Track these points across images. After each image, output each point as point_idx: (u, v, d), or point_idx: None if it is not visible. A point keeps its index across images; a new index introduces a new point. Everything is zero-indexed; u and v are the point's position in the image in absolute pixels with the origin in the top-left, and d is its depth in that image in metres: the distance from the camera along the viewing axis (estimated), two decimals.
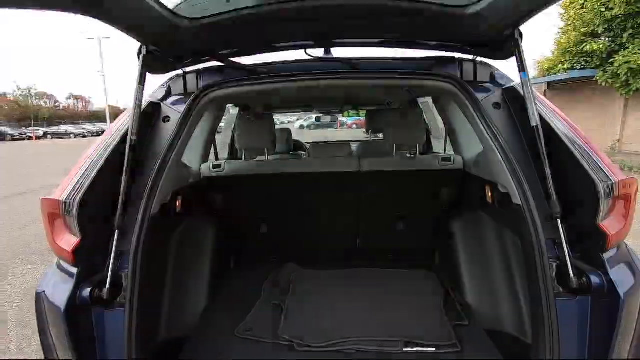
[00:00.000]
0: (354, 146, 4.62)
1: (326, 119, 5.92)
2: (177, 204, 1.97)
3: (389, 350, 1.58)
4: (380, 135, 5.04)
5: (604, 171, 1.18)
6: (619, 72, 10.55)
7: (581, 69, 12.20)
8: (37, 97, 57.40)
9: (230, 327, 1.80)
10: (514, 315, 1.76)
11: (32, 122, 48.02)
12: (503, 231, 1.92)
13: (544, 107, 1.40)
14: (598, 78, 11.36)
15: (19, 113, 49.52)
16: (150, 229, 1.35)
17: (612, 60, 10.84)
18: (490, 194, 1.95)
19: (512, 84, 1.56)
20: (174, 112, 1.59)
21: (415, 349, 1.59)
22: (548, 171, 1.27)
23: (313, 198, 2.46)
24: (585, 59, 12.12)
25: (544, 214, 1.34)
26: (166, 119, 1.57)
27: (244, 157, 2.40)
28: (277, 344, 1.65)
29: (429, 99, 3.13)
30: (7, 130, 36.64)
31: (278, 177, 2.34)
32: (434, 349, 1.58)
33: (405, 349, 1.59)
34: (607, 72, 11.06)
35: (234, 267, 2.47)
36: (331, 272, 2.27)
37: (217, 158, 2.57)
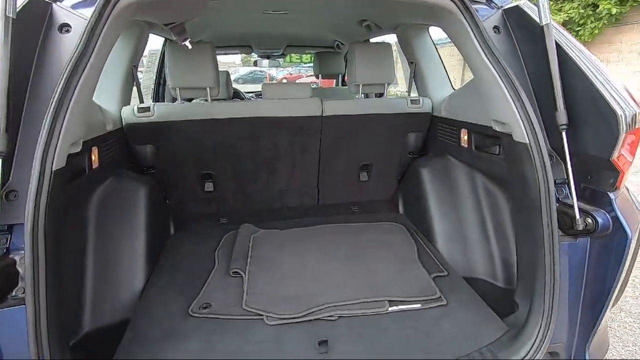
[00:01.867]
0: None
1: (248, 71, 5.33)
2: (93, 158, 1.48)
3: (374, 312, 1.41)
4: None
5: (625, 99, 1.05)
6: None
7: None
8: None
9: (181, 305, 1.47)
10: (487, 261, 1.72)
11: None
12: (475, 176, 1.83)
13: (561, 35, 1.22)
14: None
15: None
16: (53, 189, 0.92)
17: None
18: (465, 137, 1.81)
19: (513, 3, 1.35)
20: (76, 18, 1.08)
21: (401, 307, 1.45)
22: (558, 83, 1.12)
23: (267, 148, 2.11)
24: None
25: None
26: (64, 28, 1.06)
27: (179, 98, 1.92)
28: (242, 321, 1.38)
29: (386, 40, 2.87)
30: None
31: (224, 123, 1.92)
32: (419, 305, 1.45)
33: (391, 308, 1.44)
34: None
35: (176, 233, 2.06)
36: (293, 231, 2.01)
37: (141, 101, 2.03)
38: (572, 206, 1.15)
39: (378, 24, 2.28)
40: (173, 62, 1.80)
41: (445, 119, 2.00)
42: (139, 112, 1.82)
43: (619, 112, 1.03)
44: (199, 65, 1.82)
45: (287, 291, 1.52)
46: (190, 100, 2.12)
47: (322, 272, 1.64)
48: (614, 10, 8.33)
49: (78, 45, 0.98)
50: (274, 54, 4.14)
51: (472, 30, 1.24)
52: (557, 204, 1.21)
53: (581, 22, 9.33)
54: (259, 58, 4.40)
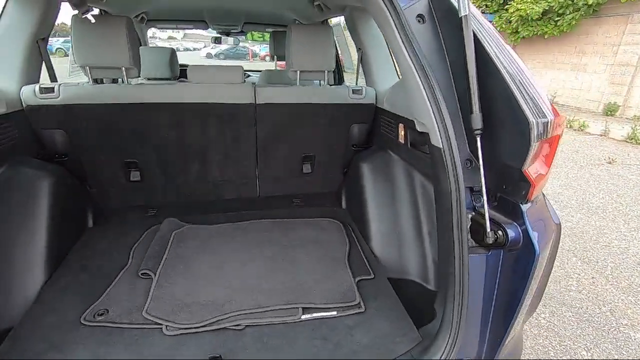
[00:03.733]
0: (255, 75, 4.03)
1: (229, 41, 5.02)
2: None
3: (285, 321, 1.33)
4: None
5: (539, 106, 0.96)
6: (510, 19, 11.30)
7: (481, 12, 12.72)
8: None
9: (77, 311, 1.33)
10: (419, 262, 1.66)
11: None
12: (413, 174, 1.74)
13: (482, 29, 1.10)
14: (494, 22, 12.05)
15: None
16: None
17: (507, 6, 11.50)
18: (402, 133, 1.71)
19: None
20: None
21: (315, 314, 1.36)
22: (474, 84, 1.02)
23: (199, 136, 1.95)
24: (486, 2, 12.65)
25: (463, 158, 1.12)
26: None
27: (90, 79, 1.72)
28: (139, 330, 1.26)
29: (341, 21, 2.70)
30: None
31: (141, 108, 1.75)
32: (334, 313, 1.38)
33: (304, 316, 1.35)
34: (502, 17, 11.77)
35: (94, 227, 1.91)
36: (221, 227, 1.89)
37: (53, 79, 1.82)
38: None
39: (326, 3, 2.11)
40: (79, 37, 1.59)
41: (387, 112, 1.88)
42: (41, 93, 1.62)
43: (531, 119, 0.94)
44: (110, 41, 1.62)
45: (197, 297, 1.41)
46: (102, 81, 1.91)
47: (240, 275, 1.54)
48: (590, 1, 8.30)
49: None
50: (232, 31, 3.89)
51: (393, 19, 1.11)
52: (473, 213, 1.13)
53: (560, 11, 9.29)
54: (219, 35, 4.13)
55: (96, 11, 2.31)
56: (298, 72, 1.87)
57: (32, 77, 1.70)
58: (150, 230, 1.84)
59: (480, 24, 1.06)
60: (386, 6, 1.09)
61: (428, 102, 1.07)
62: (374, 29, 2.04)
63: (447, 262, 1.15)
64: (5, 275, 1.38)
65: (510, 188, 1.07)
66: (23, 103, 1.62)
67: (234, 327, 1.29)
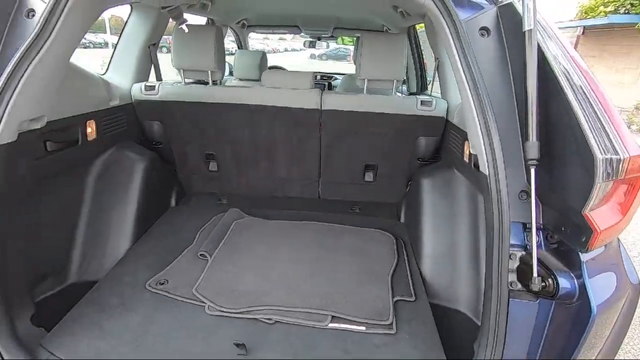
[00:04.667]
0: (336, 81, 4.10)
1: (322, 45, 5.21)
2: (89, 131, 1.63)
3: (312, 325, 1.36)
4: None
5: (610, 139, 0.80)
6: None
7: (624, 13, 10.71)
8: None
9: (147, 276, 1.58)
10: (472, 293, 1.52)
11: None
12: (477, 197, 1.59)
13: (550, 40, 0.96)
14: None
15: None
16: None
17: None
18: (467, 152, 1.58)
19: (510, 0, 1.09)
20: (41, 4, 1.16)
21: (342, 325, 1.36)
22: (533, 107, 0.90)
23: (269, 136, 2.10)
24: (631, 1, 10.58)
25: (519, 189, 1.00)
26: (30, 12, 1.15)
27: (183, 79, 1.99)
28: (187, 304, 1.43)
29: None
30: None
31: (221, 107, 1.95)
32: (363, 328, 1.35)
33: (331, 325, 1.36)
34: None
35: (176, 206, 2.20)
36: (279, 223, 2.00)
37: (158, 79, 2.15)
38: (538, 259, 0.93)
39: (406, 9, 2.05)
40: (176, 45, 1.86)
41: (455, 127, 1.76)
42: (145, 90, 1.94)
43: (598, 154, 0.79)
44: (200, 48, 1.85)
45: (240, 284, 1.53)
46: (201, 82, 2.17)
47: (282, 272, 1.61)
48: None
49: (33, 31, 1.06)
50: (323, 35, 4.03)
51: (450, 32, 1.04)
52: (523, 253, 1.00)
53: None
54: (311, 39, 4.33)
55: (192, 20, 2.65)
56: (366, 80, 1.87)
57: (142, 76, 2.04)
58: (217, 217, 2.05)
59: (550, 38, 0.93)
60: (443, 18, 1.03)
61: (478, 124, 0.98)
62: None
63: (487, 300, 1.04)
64: (103, 235, 1.70)
65: (568, 231, 0.92)
66: (132, 98, 1.96)
67: (265, 320, 1.37)
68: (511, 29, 1.04)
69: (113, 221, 1.75)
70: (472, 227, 1.60)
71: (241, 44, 4.04)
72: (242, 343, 1.23)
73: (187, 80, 1.98)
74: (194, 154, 2.22)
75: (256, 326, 1.35)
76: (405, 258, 1.76)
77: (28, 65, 1.06)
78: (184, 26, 1.77)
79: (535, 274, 0.91)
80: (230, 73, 3.68)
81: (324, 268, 1.65)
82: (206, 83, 2.01)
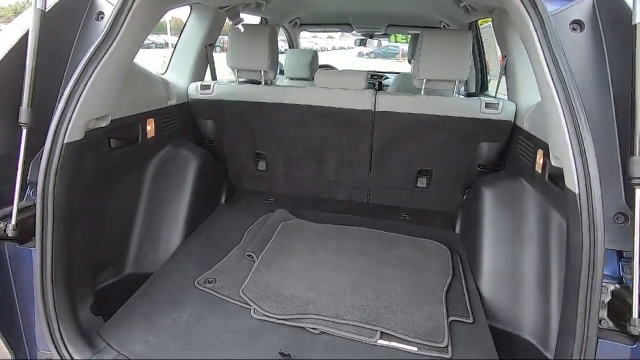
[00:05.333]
0: (387, 80, 3.96)
1: (373, 43, 5.07)
2: (148, 129, 1.69)
3: (360, 339, 1.28)
4: None
5: None
6: None
7: None
8: None
9: (195, 274, 1.60)
10: (539, 320, 1.36)
11: None
12: (549, 212, 1.42)
13: None
14: None
15: None
16: (66, 160, 1.08)
17: None
18: (541, 161, 1.41)
19: None
20: (110, 6, 1.20)
21: (391, 343, 1.27)
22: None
23: (319, 137, 2.05)
24: None
25: (614, 211, 0.85)
26: (100, 15, 1.19)
27: (237, 79, 2.00)
28: (233, 305, 1.43)
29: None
30: None
31: (273, 107, 1.93)
32: (415, 349, 1.25)
33: (380, 341, 1.28)
34: None
35: (225, 204, 2.24)
36: (326, 227, 1.95)
37: (214, 78, 2.19)
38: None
39: (472, 4, 1.90)
40: (232, 45, 1.87)
41: (525, 133, 1.58)
42: (201, 89, 1.97)
43: None
44: (254, 49, 1.85)
45: (286, 288, 1.50)
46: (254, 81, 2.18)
47: (329, 280, 1.56)
48: None
49: (102, 32, 1.10)
50: (376, 33, 3.91)
51: (534, 25, 0.91)
52: (617, 286, 0.85)
53: None
54: (363, 37, 4.23)
55: (248, 20, 2.67)
56: (424, 80, 1.75)
57: (198, 75, 2.09)
58: (264, 217, 2.04)
59: None
60: (527, 10, 0.90)
61: (566, 134, 0.85)
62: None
63: (567, 336, 0.90)
64: (158, 229, 1.76)
65: None
66: (188, 97, 2.01)
67: (311, 330, 1.32)
68: (611, 23, 0.88)
69: (167, 216, 1.81)
70: (541, 245, 1.43)
71: (292, 43, 4.04)
72: (288, 354, 1.19)
73: (240, 80, 2.00)
74: (244, 152, 2.24)
75: (302, 335, 1.31)
76: (462, 274, 1.63)
77: (96, 67, 1.09)
78: (240, 26, 1.77)
79: (635, 315, 0.76)
80: (281, 72, 3.70)
81: (372, 279, 1.57)
82: (259, 83, 2.00)
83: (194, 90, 1.99)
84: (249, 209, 2.15)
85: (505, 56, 1.82)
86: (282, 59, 3.36)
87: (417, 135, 1.89)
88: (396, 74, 3.66)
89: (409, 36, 4.04)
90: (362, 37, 4.38)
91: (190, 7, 1.95)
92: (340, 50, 30.25)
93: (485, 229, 1.63)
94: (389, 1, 2.69)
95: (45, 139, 1.05)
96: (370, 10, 3.08)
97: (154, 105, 1.72)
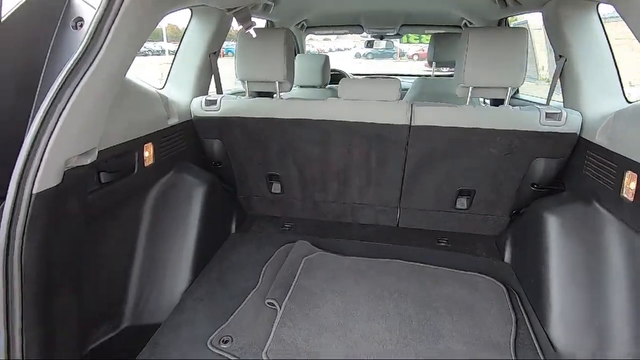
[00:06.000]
0: (405, 83, 3.72)
1: (380, 45, 4.82)
2: (146, 155, 1.42)
3: None
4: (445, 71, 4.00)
5: None
6: None
7: None
8: None
9: (207, 329, 1.33)
10: None
11: None
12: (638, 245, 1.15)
13: None
14: None
15: None
16: (37, 213, 0.81)
17: None
18: (632, 186, 1.14)
19: None
20: (91, 10, 0.93)
21: None
22: None
23: (342, 155, 1.79)
24: None
25: None
26: (79, 22, 0.92)
27: (247, 92, 1.73)
28: None
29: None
30: None
31: (290, 123, 1.67)
32: None
33: None
34: None
35: (236, 232, 1.97)
36: (355, 261, 1.67)
37: (219, 91, 1.93)
38: None
39: None
40: (240, 53, 1.60)
41: (601, 149, 1.32)
42: (206, 105, 1.71)
43: None
44: (267, 57, 1.58)
45: (317, 348, 1.23)
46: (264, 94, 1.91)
47: (366, 333, 1.29)
48: None
49: (81, 44, 0.83)
50: (388, 34, 3.65)
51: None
52: None
53: None
54: (373, 38, 3.96)
55: (260, 24, 2.41)
56: (470, 88, 1.49)
57: (202, 89, 1.82)
58: (283, 249, 1.77)
59: None
60: None
61: None
62: (592, 30, 1.46)
63: None
64: (160, 271, 1.49)
65: None
66: (192, 114, 1.74)
67: None
68: None
69: (171, 255, 1.54)
70: (634, 289, 1.16)
71: (298, 48, 3.78)
72: None
73: (251, 92, 1.73)
74: (256, 174, 1.97)
75: None
76: (526, 319, 1.35)
77: (74, 89, 0.83)
78: (251, 30, 1.50)
79: None
80: None
81: (417, 330, 1.30)
82: (272, 95, 1.74)
83: (197, 106, 1.72)
84: (263, 239, 1.88)
85: (562, 56, 1.55)
86: None
87: (460, 152, 1.62)
88: (413, 77, 3.39)
89: (422, 36, 3.78)
90: (370, 39, 4.11)
91: (191, 10, 1.68)
92: (337, 52, 30.05)
93: (551, 264, 1.36)
94: None
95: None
96: (384, 9, 2.81)
97: (152, 127, 1.45)
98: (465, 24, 2.97)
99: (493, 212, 1.84)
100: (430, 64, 2.77)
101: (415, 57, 21.07)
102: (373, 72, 4.77)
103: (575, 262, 1.31)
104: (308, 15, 3.00)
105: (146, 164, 1.42)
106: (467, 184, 1.76)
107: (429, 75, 2.77)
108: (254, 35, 1.54)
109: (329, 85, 2.93)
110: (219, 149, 1.87)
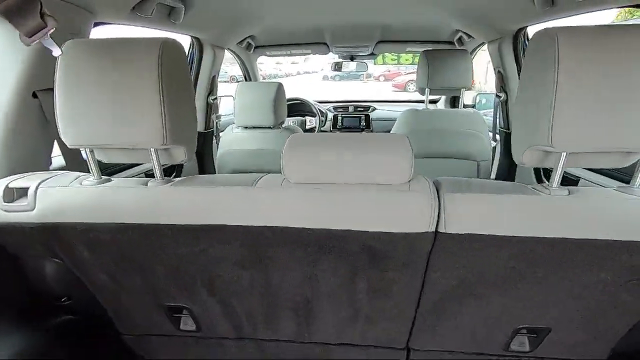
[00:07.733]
0: (375, 112, 3.04)
1: (349, 67, 4.08)
2: None
3: None
4: (442, 100, 3.26)
5: None
6: None
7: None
8: None
9: None
10: None
11: None
12: None
13: None
14: None
15: None
16: None
17: None
18: None
19: None
20: None
21: None
22: None
23: (299, 284, 0.93)
24: None
25: None
26: None
27: (93, 169, 0.86)
28: None
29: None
30: None
31: (190, 231, 0.80)
32: None
33: None
34: None
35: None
36: None
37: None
38: None
39: None
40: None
41: None
42: (5, 201, 0.81)
43: None
44: (121, 101, 0.72)
45: None
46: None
47: None
48: None
49: None
50: (360, 54, 2.92)
51: None
52: None
53: None
54: (341, 59, 3.24)
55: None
56: (563, 155, 0.69)
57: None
58: None
59: None
60: None
61: None
62: None
63: None
64: None
65: None
66: None
67: None
68: None
69: None
70: None
71: (248, 74, 2.97)
72: None
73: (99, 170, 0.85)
74: (143, 306, 1.07)
75: None
76: None
77: None
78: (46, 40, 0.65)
79: None
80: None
81: None
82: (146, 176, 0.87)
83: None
84: None
85: None
86: (231, 91, 2.23)
87: (533, 277, 0.81)
88: (398, 105, 2.64)
89: (401, 55, 3.08)
90: (338, 60, 3.38)
91: None
92: (305, 75, 29.73)
93: None
94: (383, 9, 1.71)
95: None
96: (355, 22, 2.07)
97: None
98: (460, 38, 2.27)
99: (574, 355, 1.03)
100: (422, 92, 2.00)
101: (382, 79, 20.96)
102: (342, 98, 4.01)
103: None
104: (253, 31, 2.20)
105: None
106: (536, 320, 0.95)
107: (423, 109, 1.99)
108: (57, 51, 0.68)
109: (286, 123, 2.10)
110: (62, 273, 0.96)
